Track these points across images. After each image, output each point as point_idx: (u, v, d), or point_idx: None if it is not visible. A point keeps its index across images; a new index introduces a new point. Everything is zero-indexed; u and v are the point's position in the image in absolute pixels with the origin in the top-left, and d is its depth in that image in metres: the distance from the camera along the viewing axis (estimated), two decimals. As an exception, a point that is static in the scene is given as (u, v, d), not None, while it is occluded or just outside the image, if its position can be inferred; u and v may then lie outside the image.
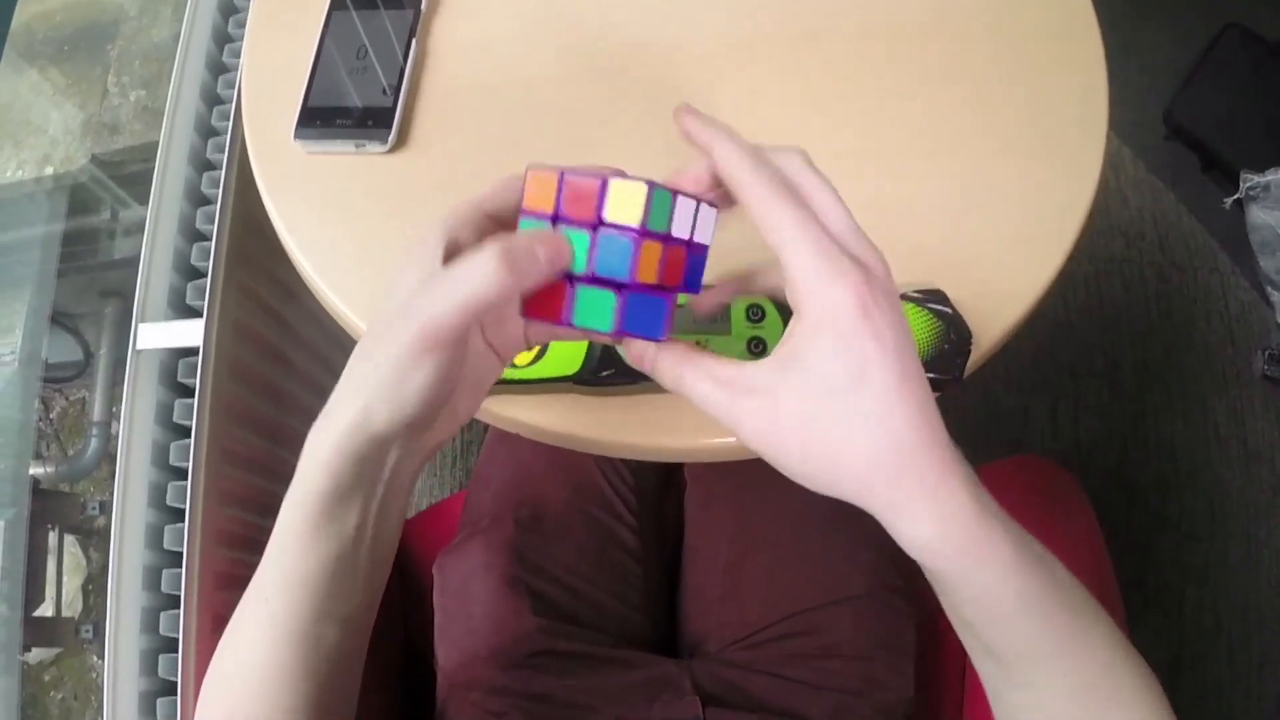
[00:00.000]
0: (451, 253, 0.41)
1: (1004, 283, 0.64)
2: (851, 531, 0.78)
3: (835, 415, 0.37)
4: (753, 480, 0.80)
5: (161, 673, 0.78)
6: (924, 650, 0.76)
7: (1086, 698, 0.42)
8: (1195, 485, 1.46)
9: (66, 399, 1.89)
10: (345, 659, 0.48)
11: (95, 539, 1.70)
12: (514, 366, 0.58)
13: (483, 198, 0.43)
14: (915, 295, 0.59)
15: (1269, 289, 1.51)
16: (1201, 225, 1.61)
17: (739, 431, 0.40)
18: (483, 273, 0.37)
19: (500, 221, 0.44)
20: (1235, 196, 1.54)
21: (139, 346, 0.83)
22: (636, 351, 0.43)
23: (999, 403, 1.52)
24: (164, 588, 0.80)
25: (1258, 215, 1.51)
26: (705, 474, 0.83)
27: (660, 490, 0.85)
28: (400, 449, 0.43)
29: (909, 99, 0.71)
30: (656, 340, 0.42)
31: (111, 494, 0.81)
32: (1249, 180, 1.52)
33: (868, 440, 0.37)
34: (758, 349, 0.57)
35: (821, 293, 0.37)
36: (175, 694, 0.76)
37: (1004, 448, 1.49)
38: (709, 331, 0.58)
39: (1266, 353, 1.48)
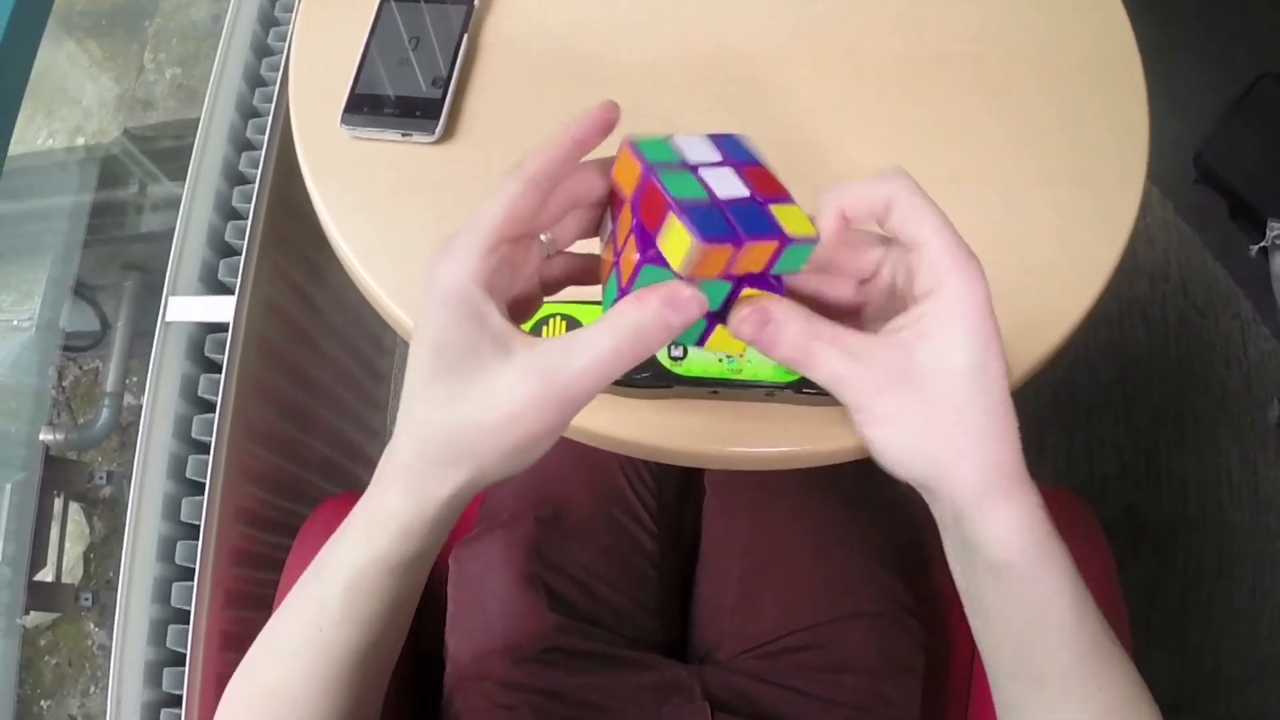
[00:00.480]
0: (501, 303, 0.40)
1: (1036, 316, 0.64)
2: (867, 548, 0.78)
3: (955, 398, 0.38)
4: (771, 491, 0.80)
5: (170, 643, 0.79)
6: (931, 674, 0.76)
7: None
8: (1204, 528, 1.45)
9: (80, 368, 1.89)
10: (386, 668, 0.49)
11: (100, 508, 1.70)
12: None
13: (498, 229, 0.39)
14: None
15: (1289, 339, 1.51)
16: (1226, 271, 1.60)
17: (861, 405, 0.39)
18: (620, 348, 0.37)
19: (517, 239, 0.41)
20: (1261, 245, 1.54)
21: (168, 319, 0.84)
22: (755, 319, 0.39)
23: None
24: (178, 559, 0.80)
25: (1283, 265, 1.51)
26: (724, 482, 0.83)
27: (680, 495, 0.85)
28: None
29: (948, 125, 0.71)
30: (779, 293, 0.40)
31: (120, 465, 0.81)
32: (1276, 229, 1.51)
33: (979, 429, 0.39)
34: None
35: (965, 279, 0.38)
36: (183, 665, 0.77)
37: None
38: None
39: (1283, 402, 1.48)
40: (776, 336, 0.39)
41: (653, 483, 0.81)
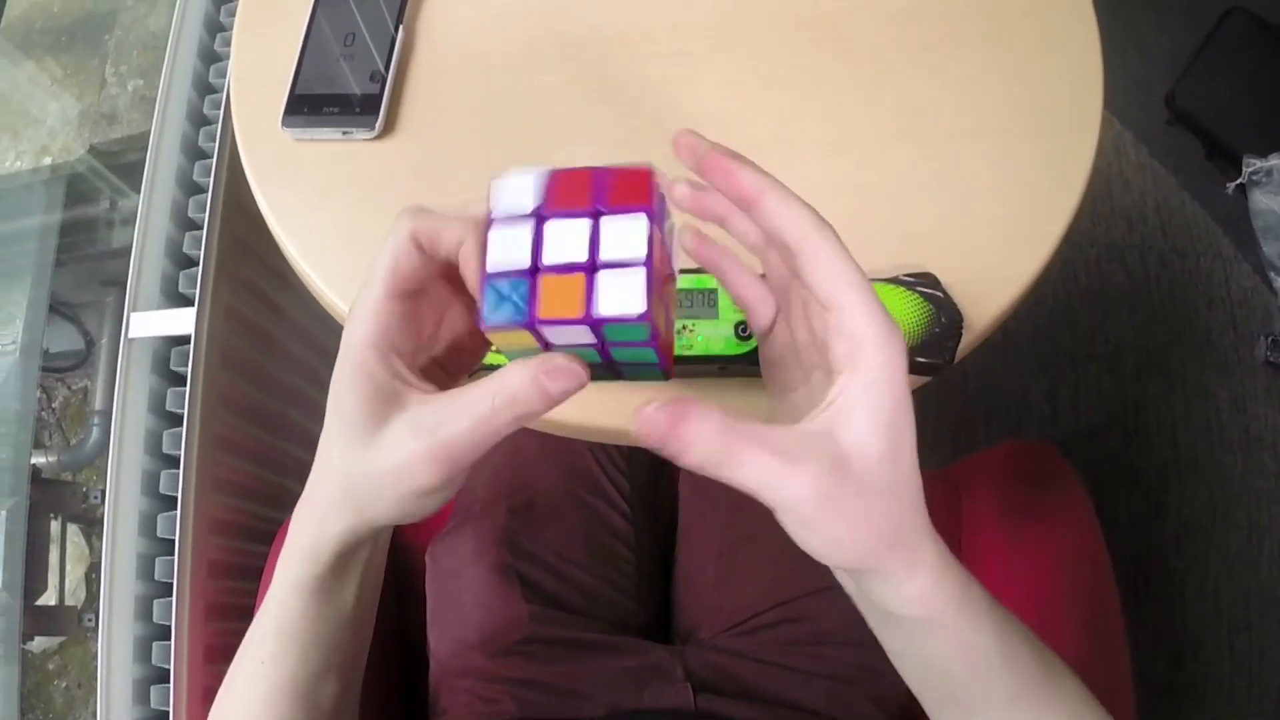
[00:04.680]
0: (399, 358, 0.41)
1: (997, 267, 0.63)
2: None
3: (884, 485, 0.36)
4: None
5: (155, 660, 0.78)
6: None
7: None
8: (1196, 472, 1.45)
9: (69, 388, 1.89)
10: (342, 704, 0.49)
11: (98, 527, 1.70)
12: (499, 353, 0.58)
13: (385, 285, 0.41)
14: (906, 279, 0.58)
15: (1271, 274, 1.50)
16: (1204, 210, 1.59)
17: (793, 508, 0.36)
18: (498, 413, 0.37)
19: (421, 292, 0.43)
20: (1238, 181, 1.54)
21: (131, 335, 0.83)
22: (664, 419, 0.35)
23: (999, 387, 1.52)
24: (157, 576, 0.80)
25: (1260, 200, 1.50)
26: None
27: (653, 475, 0.85)
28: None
29: (896, 83, 0.69)
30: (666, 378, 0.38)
31: (112, 482, 0.81)
32: (1252, 165, 1.51)
33: (898, 512, 0.37)
34: (745, 334, 0.57)
35: (884, 352, 0.36)
36: (168, 681, 0.76)
37: (1003, 432, 1.48)
38: (696, 316, 0.57)
39: (1269, 339, 1.48)
40: (692, 436, 0.35)
41: (624, 464, 0.81)
